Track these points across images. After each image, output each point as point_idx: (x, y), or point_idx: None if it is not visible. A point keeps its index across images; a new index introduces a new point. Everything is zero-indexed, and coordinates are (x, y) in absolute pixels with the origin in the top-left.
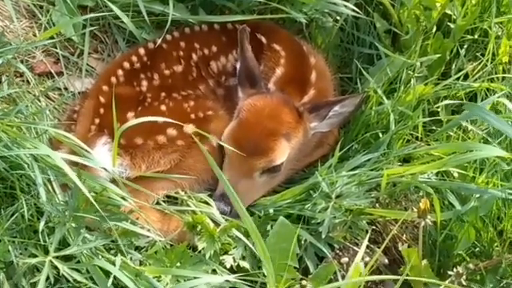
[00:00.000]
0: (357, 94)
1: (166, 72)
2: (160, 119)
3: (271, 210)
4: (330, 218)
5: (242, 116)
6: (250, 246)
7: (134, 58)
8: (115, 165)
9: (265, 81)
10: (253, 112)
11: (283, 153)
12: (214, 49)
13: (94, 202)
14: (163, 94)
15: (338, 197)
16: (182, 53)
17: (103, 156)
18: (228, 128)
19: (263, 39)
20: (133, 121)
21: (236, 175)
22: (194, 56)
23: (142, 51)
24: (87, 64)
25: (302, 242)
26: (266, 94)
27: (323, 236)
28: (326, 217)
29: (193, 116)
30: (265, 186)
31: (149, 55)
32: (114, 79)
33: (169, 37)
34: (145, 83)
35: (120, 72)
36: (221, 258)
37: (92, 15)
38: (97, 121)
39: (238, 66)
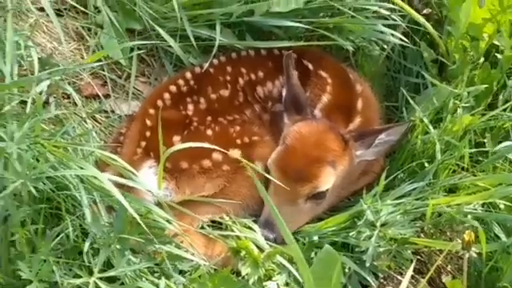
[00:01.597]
0: (403, 122)
1: (213, 96)
2: (205, 145)
3: (315, 237)
4: (375, 246)
5: (287, 142)
6: (294, 272)
7: (181, 82)
8: (161, 188)
9: (311, 107)
10: (299, 139)
11: (328, 180)
12: (261, 74)
13: (142, 223)
14: (209, 118)
15: (382, 225)
16: (228, 77)
17: (149, 179)
18: (274, 154)
19: (310, 66)
20: (179, 145)
21: (281, 201)
22: (241, 80)
23: (188, 75)
24: (134, 87)
25: (347, 270)
26: (312, 120)
27: (367, 264)
28: (370, 245)
29: (238, 141)
30: (309, 212)
31: (195, 79)
32: (160, 102)
33: (215, 61)
34: (191, 107)
35: (167, 95)
36: (264, 283)
37: (140, 42)
38: (143, 144)
39: (283, 92)
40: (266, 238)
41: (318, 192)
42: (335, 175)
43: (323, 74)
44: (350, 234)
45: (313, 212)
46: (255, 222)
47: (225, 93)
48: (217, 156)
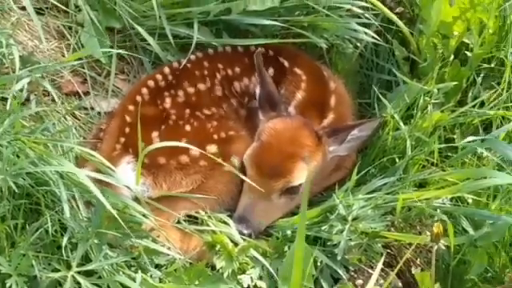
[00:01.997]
0: (375, 118)
1: (190, 90)
2: (183, 144)
3: (289, 232)
4: (346, 240)
5: (262, 139)
6: (268, 266)
7: (159, 77)
8: (138, 183)
9: (285, 104)
10: (273, 135)
11: (301, 175)
12: (237, 70)
13: (119, 218)
14: (187, 112)
15: (354, 220)
16: (205, 72)
17: (127, 174)
18: (249, 150)
19: (286, 63)
20: (157, 144)
21: (255, 196)
22: (218, 75)
23: (166, 70)
24: (113, 85)
25: (318, 264)
26: (287, 117)
27: (339, 258)
28: (342, 239)
29: (215, 136)
30: (283, 207)
31: (173, 74)
32: (139, 98)
33: (193, 57)
34: (168, 100)
35: (145, 91)
36: (238, 277)
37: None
38: (122, 140)
39: (257, 89)
40: (241, 233)
41: (292, 186)
42: (308, 170)
43: (298, 71)
44: (323, 228)
45: (287, 207)
46: (230, 216)
47: (202, 86)
48: (194, 152)
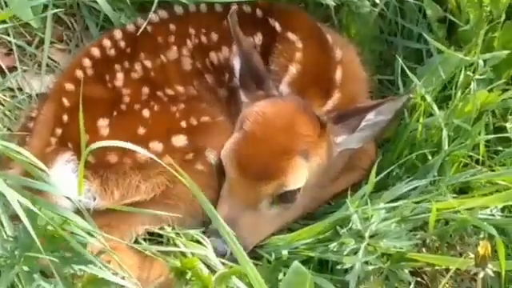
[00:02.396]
0: (397, 96)
1: (149, 62)
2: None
3: (285, 253)
4: (362, 263)
5: (246, 128)
6: None
7: (107, 43)
8: (81, 191)
9: (276, 82)
10: (260, 123)
11: (299, 176)
12: (215, 36)
13: (56, 237)
14: (145, 92)
15: (372, 237)
16: (172, 38)
17: (65, 178)
18: (228, 143)
19: (277, 26)
20: (105, 142)
21: (238, 205)
22: (189, 43)
23: (118, 35)
24: (48, 57)
25: None
26: (278, 98)
27: (351, 286)
28: (356, 261)
29: (183, 124)
30: (276, 220)
31: (127, 40)
32: (80, 73)
33: (155, 18)
34: (120, 76)
35: (88, 62)
36: None
37: None
38: (58, 131)
39: (236, 62)
40: (219, 252)
41: (287, 192)
42: (309, 170)
43: (292, 36)
44: (330, 247)
45: (281, 220)
46: (205, 233)
47: (166, 58)
48: (156, 145)
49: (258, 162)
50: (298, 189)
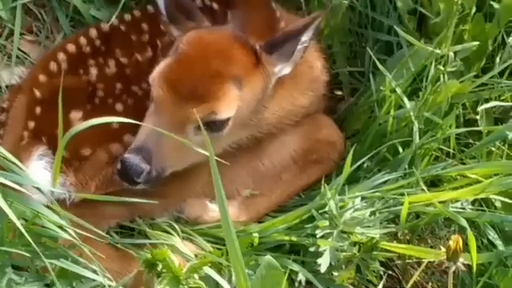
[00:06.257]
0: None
1: (124, 59)
2: (114, 120)
3: (256, 239)
4: (334, 247)
5: (180, 50)
6: None
7: (83, 41)
8: (56, 184)
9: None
10: (195, 46)
11: (230, 103)
12: None
13: (27, 232)
14: (119, 87)
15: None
16: (145, 37)
17: (39, 172)
18: (159, 65)
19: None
20: (78, 126)
21: (163, 126)
22: (159, 42)
23: (93, 33)
24: (18, 48)
25: (296, 285)
26: (213, 27)
27: (323, 270)
28: (328, 244)
29: None
30: (200, 148)
31: (102, 38)
32: (54, 66)
33: (128, 17)
34: (94, 71)
35: (62, 56)
36: None
37: None
38: (31, 124)
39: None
40: (137, 170)
41: (215, 121)
42: (240, 99)
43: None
44: (305, 230)
45: (205, 150)
46: (177, 222)
47: (140, 55)
48: (130, 138)
49: (188, 81)
50: (228, 119)
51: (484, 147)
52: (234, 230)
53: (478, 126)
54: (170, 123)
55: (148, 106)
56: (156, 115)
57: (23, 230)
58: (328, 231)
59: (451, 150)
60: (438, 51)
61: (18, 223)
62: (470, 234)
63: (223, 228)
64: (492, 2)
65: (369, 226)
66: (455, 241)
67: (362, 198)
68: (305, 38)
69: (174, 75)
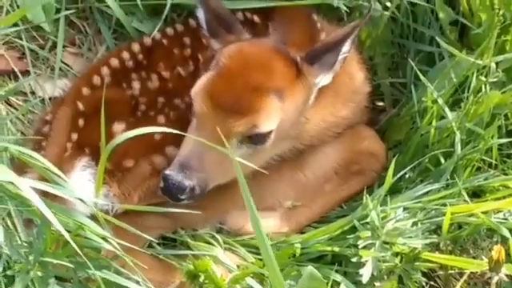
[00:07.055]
0: (355, 22)
1: (166, 73)
2: (156, 129)
3: (298, 250)
4: (376, 258)
5: (221, 64)
6: None
7: (126, 56)
8: (99, 195)
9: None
10: (236, 59)
11: (272, 116)
12: None
13: (73, 243)
14: (161, 100)
15: (387, 235)
16: (187, 51)
17: (82, 184)
18: (201, 79)
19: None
20: (120, 136)
21: (206, 139)
22: (201, 56)
23: (136, 47)
24: (61, 61)
25: None
26: (252, 40)
27: (365, 280)
28: (370, 255)
29: None
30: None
31: (145, 53)
32: (97, 79)
33: (170, 31)
34: (137, 85)
35: (106, 70)
36: None
37: None
38: (74, 136)
39: (199, 13)
40: (180, 187)
41: (257, 134)
42: (283, 111)
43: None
44: (347, 240)
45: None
46: (219, 233)
47: (182, 69)
48: (172, 150)
49: (230, 95)
50: (270, 132)
51: None
52: (269, 242)
53: None
54: (213, 137)
55: (190, 119)
56: (198, 130)
57: (70, 240)
58: (370, 242)
59: (493, 161)
60: (479, 62)
61: (66, 233)
62: None
63: (257, 240)
64: None
65: (411, 237)
66: (497, 251)
67: (404, 209)
68: (346, 47)
69: (216, 89)
